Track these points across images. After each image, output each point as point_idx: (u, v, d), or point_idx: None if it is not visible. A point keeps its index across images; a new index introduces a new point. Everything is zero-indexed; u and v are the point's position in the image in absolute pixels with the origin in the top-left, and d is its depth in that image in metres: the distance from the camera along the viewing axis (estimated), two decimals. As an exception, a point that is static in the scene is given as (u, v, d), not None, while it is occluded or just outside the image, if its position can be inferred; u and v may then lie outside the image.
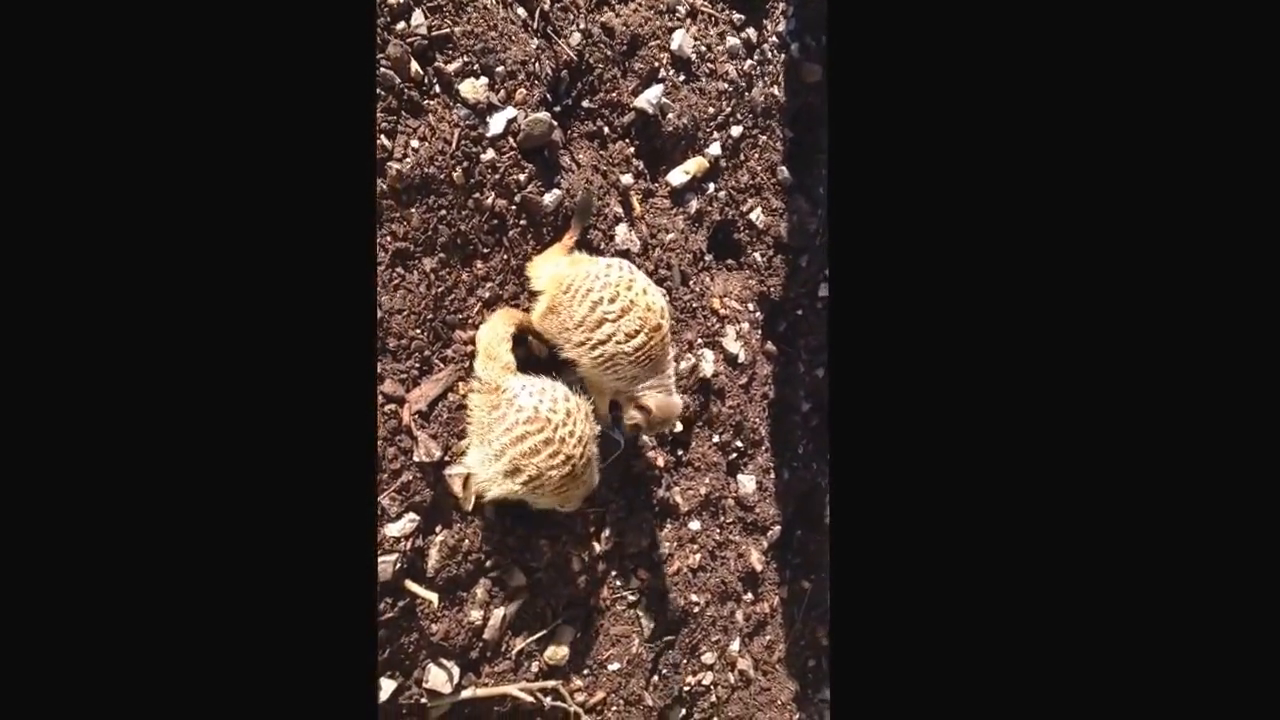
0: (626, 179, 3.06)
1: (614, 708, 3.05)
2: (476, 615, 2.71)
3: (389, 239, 2.47)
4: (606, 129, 3.01)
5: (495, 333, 2.65)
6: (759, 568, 3.55)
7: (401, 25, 2.45)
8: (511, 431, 2.51)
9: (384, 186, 2.43)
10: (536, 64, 2.73)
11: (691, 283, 3.31)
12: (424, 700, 2.58)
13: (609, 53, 2.95)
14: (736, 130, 3.40)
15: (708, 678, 3.34)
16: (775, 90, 3.50)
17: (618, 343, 2.63)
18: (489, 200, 2.67)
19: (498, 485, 2.57)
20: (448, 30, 2.54)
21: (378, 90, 2.41)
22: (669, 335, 2.76)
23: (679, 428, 3.24)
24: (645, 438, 3.14)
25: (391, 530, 2.49)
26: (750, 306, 3.54)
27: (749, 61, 3.41)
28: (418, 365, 2.57)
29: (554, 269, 2.71)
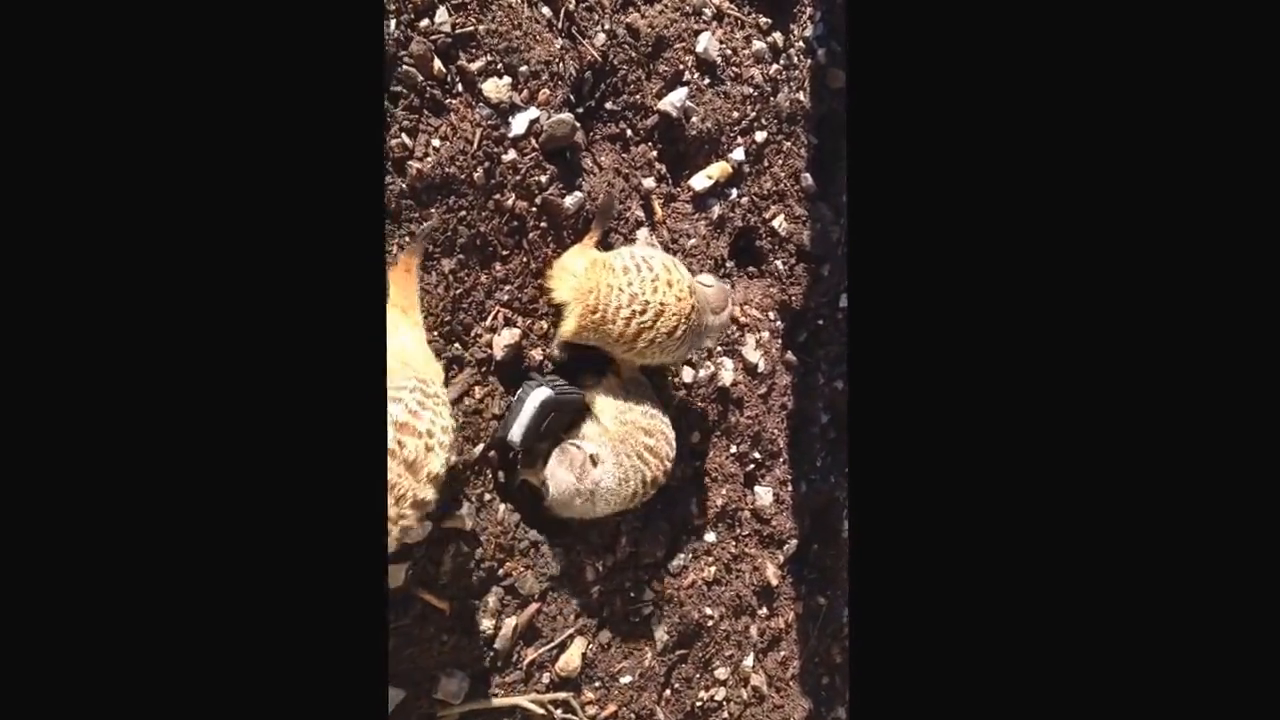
0: (648, 182, 3.01)
1: (625, 722, 3.00)
2: (488, 624, 2.67)
3: (407, 239, 2.42)
4: (629, 131, 2.96)
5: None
6: (775, 582, 3.49)
7: (425, 22, 2.41)
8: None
9: (404, 186, 2.39)
10: (560, 64, 2.69)
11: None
12: (434, 710, 2.53)
13: (633, 54, 2.91)
14: (761, 135, 3.34)
15: (720, 693, 3.29)
16: (801, 96, 3.45)
17: (659, 343, 2.66)
18: (509, 201, 2.63)
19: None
20: (472, 28, 2.50)
21: (399, 89, 2.37)
22: (699, 304, 2.78)
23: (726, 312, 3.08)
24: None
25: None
26: (771, 315, 3.49)
27: (775, 66, 3.36)
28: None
29: (574, 281, 2.67)
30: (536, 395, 2.67)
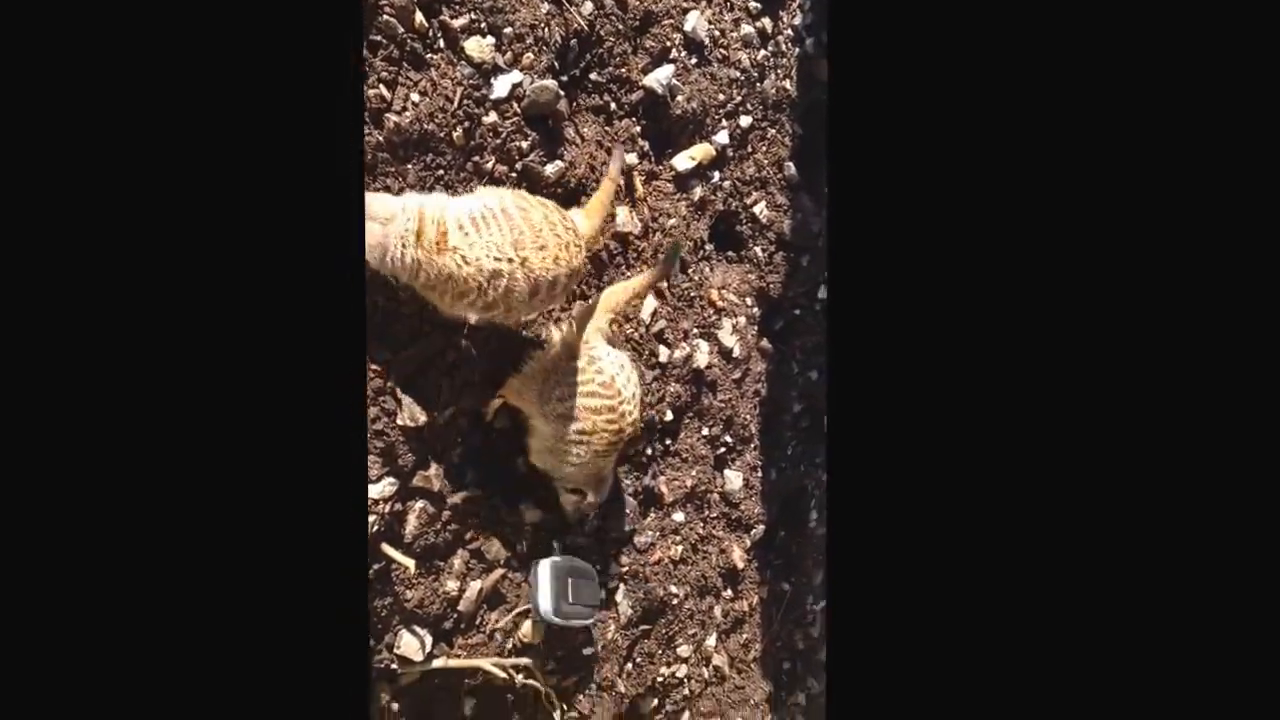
0: (631, 159, 3.02)
1: (585, 691, 2.99)
2: (453, 586, 2.66)
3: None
4: (613, 104, 2.97)
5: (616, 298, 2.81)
6: (740, 565, 3.50)
7: (410, -24, 2.42)
8: (585, 387, 2.56)
9: (380, 138, 2.39)
10: (546, 29, 2.70)
11: (690, 271, 3.27)
12: (394, 666, 2.53)
13: (621, 26, 2.92)
14: (745, 120, 3.36)
15: (682, 670, 3.29)
16: (787, 84, 3.47)
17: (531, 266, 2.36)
18: (489, 165, 2.63)
19: (546, 418, 2.62)
20: (458, -15, 2.51)
21: (378, 38, 2.36)
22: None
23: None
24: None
25: (370, 492, 2.44)
26: (748, 301, 3.50)
27: (762, 52, 3.39)
28: (405, 328, 2.53)
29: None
30: (544, 566, 2.81)
